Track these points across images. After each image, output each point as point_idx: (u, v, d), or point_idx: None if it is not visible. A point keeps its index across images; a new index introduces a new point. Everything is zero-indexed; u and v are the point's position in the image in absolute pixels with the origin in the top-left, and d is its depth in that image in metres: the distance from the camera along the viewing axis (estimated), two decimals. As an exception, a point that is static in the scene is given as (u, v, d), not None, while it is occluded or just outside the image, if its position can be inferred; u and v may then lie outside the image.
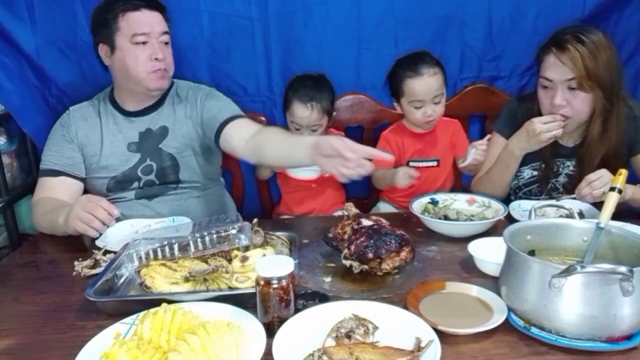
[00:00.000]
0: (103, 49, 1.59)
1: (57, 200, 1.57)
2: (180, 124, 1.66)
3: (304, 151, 1.26)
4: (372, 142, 1.95)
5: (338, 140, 1.14)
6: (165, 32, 1.58)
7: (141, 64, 1.54)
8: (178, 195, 1.69)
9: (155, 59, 1.54)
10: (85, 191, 1.68)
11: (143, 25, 1.53)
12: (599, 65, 1.44)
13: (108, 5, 1.54)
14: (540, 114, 1.57)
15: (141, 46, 1.54)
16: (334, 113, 1.89)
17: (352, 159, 1.11)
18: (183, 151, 1.67)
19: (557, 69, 1.48)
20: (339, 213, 1.79)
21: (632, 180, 1.47)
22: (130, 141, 1.65)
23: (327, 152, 1.17)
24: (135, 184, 1.65)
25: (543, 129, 1.48)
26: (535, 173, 1.68)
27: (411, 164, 1.84)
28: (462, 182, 2.03)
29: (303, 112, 1.77)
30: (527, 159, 1.62)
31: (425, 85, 1.71)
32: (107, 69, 1.64)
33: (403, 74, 1.74)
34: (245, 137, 1.52)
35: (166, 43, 1.59)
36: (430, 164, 1.84)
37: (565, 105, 1.50)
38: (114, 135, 1.65)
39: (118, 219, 1.45)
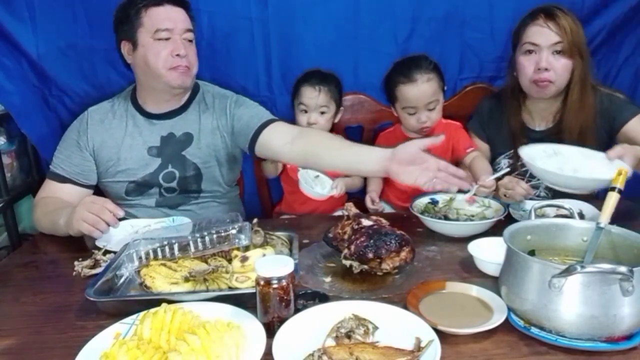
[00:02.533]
0: (125, 47, 1.57)
1: (60, 201, 1.56)
2: (206, 133, 1.64)
3: (374, 162, 1.33)
4: (372, 143, 1.95)
5: (419, 141, 1.27)
6: (189, 30, 1.56)
7: (162, 59, 1.51)
8: (199, 205, 1.68)
9: (177, 55, 1.51)
10: (101, 194, 1.67)
11: (166, 21, 1.51)
12: (579, 34, 1.55)
13: (131, 1, 1.52)
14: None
15: (163, 42, 1.51)
16: (342, 108, 1.89)
17: (433, 166, 1.24)
18: (207, 162, 1.65)
19: (544, 33, 1.55)
20: (339, 213, 1.79)
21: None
22: (150, 145, 1.62)
23: (407, 159, 1.26)
24: (155, 190, 1.63)
25: (502, 184, 1.52)
26: (512, 162, 1.70)
27: None
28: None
29: (311, 93, 1.79)
30: (500, 149, 1.68)
31: (418, 91, 1.69)
32: (129, 67, 1.62)
33: (396, 80, 1.73)
34: (288, 141, 1.50)
35: (190, 41, 1.57)
36: None
37: (549, 69, 1.55)
38: (134, 138, 1.62)
39: (122, 219, 1.44)
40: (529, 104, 1.68)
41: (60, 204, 1.53)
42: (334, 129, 1.92)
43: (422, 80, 1.69)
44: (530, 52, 1.58)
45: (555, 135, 1.62)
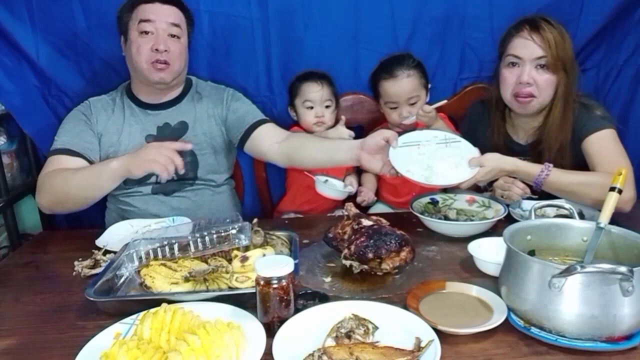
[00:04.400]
0: (123, 42, 1.63)
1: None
2: (202, 121, 1.69)
3: (346, 152, 1.43)
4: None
5: (383, 131, 1.37)
6: (175, 25, 1.58)
7: (143, 53, 1.55)
8: (194, 192, 1.70)
9: (156, 49, 1.54)
10: None
11: (149, 14, 1.54)
12: (565, 48, 1.50)
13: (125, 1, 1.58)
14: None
15: (147, 37, 1.54)
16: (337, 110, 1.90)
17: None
18: (203, 148, 1.69)
19: (528, 46, 1.51)
20: (339, 213, 1.79)
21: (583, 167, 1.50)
22: (148, 133, 1.66)
23: (374, 148, 1.36)
24: (153, 178, 1.66)
25: (498, 185, 1.51)
26: None
27: None
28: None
29: (315, 87, 1.81)
30: None
31: (398, 87, 1.74)
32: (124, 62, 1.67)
33: (379, 76, 1.78)
34: (277, 141, 1.61)
35: (175, 36, 1.59)
36: None
37: (532, 83, 1.51)
38: (132, 126, 1.66)
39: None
40: (513, 117, 1.66)
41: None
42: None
43: (403, 76, 1.74)
44: (513, 64, 1.54)
45: (537, 149, 1.59)
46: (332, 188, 1.73)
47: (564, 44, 1.49)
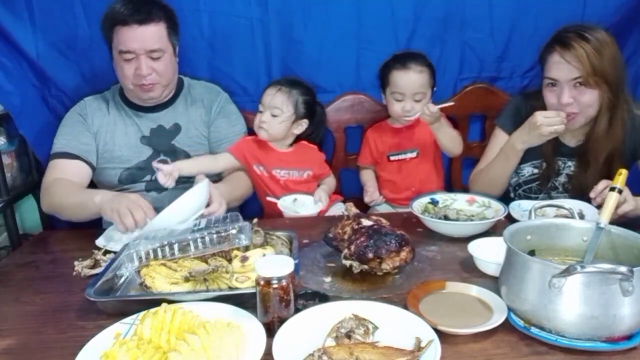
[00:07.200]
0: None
1: (78, 184, 1.58)
2: (195, 124, 1.72)
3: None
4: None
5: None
6: (154, 50, 1.55)
7: (127, 76, 1.58)
8: (187, 189, 1.69)
9: (140, 75, 1.56)
10: (94, 183, 1.71)
11: (129, 42, 1.53)
12: (603, 61, 1.44)
13: (105, 15, 1.57)
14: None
15: (128, 62, 1.56)
16: (305, 124, 1.78)
17: None
18: (197, 150, 1.72)
19: (562, 68, 1.47)
20: (339, 213, 1.79)
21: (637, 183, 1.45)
22: (142, 134, 1.69)
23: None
24: (148, 177, 1.68)
25: (544, 122, 1.47)
26: (535, 171, 1.67)
27: (391, 158, 1.90)
28: (462, 182, 2.03)
29: (270, 91, 1.74)
30: (528, 156, 1.62)
31: (408, 79, 1.75)
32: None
33: (392, 66, 1.80)
34: None
35: (157, 58, 1.57)
36: (409, 155, 1.89)
37: (572, 102, 1.49)
38: (127, 127, 1.69)
39: None
40: None
41: (81, 187, 1.57)
42: (324, 138, 1.89)
43: (415, 70, 1.76)
44: (552, 85, 1.52)
45: (585, 153, 1.58)
46: (302, 206, 1.69)
47: (600, 57, 1.43)
